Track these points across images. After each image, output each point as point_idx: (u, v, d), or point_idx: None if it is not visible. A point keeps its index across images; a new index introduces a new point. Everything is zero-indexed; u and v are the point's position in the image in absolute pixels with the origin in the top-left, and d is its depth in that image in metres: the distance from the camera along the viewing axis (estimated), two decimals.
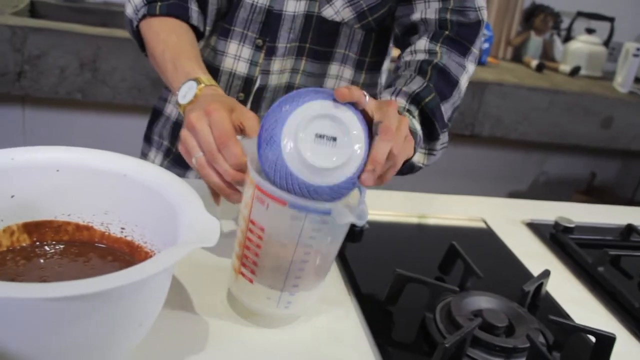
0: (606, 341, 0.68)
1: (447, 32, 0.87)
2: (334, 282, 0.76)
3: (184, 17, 0.85)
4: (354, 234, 0.87)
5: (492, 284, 0.77)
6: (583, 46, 2.53)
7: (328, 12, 0.89)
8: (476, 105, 2.12)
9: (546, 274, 0.79)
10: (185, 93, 0.73)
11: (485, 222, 1.00)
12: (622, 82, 2.41)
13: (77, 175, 0.64)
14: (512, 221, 1.03)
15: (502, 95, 2.14)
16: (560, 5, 2.58)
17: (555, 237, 0.98)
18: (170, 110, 1.05)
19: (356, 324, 0.70)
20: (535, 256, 0.92)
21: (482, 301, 0.72)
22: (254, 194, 0.61)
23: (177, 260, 0.49)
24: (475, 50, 0.90)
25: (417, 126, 0.79)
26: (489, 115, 2.15)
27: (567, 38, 2.62)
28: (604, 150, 2.66)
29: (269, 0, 0.89)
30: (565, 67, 2.48)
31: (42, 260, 0.63)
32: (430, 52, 0.86)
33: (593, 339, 0.69)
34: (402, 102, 0.81)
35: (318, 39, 0.92)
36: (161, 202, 0.61)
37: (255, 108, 0.95)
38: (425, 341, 0.68)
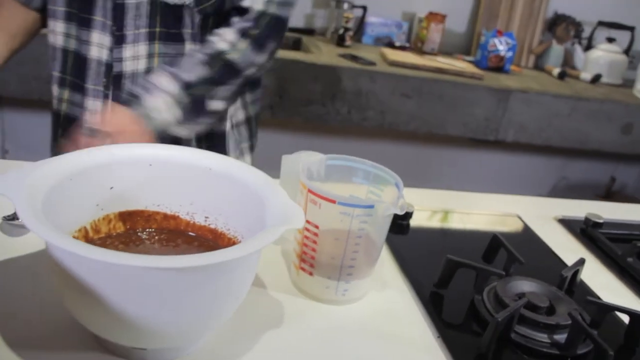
0: (638, 319, 0.75)
1: (254, 32, 0.98)
2: (388, 270, 0.84)
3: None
4: (402, 227, 0.95)
5: (532, 271, 0.84)
6: (604, 54, 2.59)
7: None
8: (501, 111, 2.19)
9: (581, 261, 0.86)
10: None
11: (520, 218, 1.07)
12: None
13: (166, 169, 0.72)
14: (544, 217, 1.11)
15: (526, 102, 2.21)
16: (582, 15, 2.65)
17: (585, 231, 1.06)
18: None
19: (411, 305, 0.77)
20: (567, 249, 0.99)
21: (525, 285, 0.79)
22: (307, 197, 0.70)
23: (275, 239, 0.57)
24: (271, 46, 1.02)
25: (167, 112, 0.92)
26: (513, 121, 2.22)
27: (588, 47, 2.69)
28: (624, 156, 2.71)
29: None
30: (587, 75, 2.54)
31: (137, 245, 0.71)
32: (233, 45, 0.97)
33: (627, 318, 0.77)
34: (168, 83, 0.93)
35: (166, 22, 0.97)
36: (244, 191, 0.69)
37: (117, 95, 0.99)
38: (474, 320, 0.76)
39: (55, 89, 1.06)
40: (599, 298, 0.84)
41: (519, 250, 0.85)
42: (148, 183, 0.72)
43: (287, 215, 0.62)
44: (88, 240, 0.68)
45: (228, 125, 1.12)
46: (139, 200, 0.73)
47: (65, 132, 1.06)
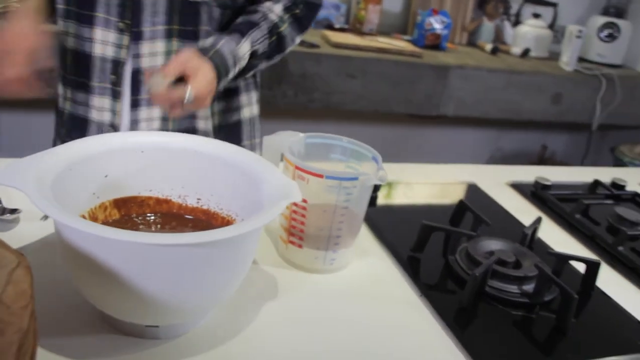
0: (592, 266, 0.84)
1: (297, 11, 1.03)
2: (366, 240, 0.90)
3: None
4: (372, 200, 1.01)
5: (497, 231, 0.92)
6: (531, 29, 2.74)
7: None
8: (441, 87, 2.29)
9: (539, 220, 0.95)
10: None
11: (476, 185, 1.15)
12: (567, 62, 2.62)
13: (158, 155, 0.75)
14: (497, 183, 1.19)
15: (464, 78, 2.31)
16: None
17: (536, 194, 1.15)
18: None
19: (392, 269, 0.84)
20: (522, 210, 1.08)
21: (492, 244, 0.87)
22: (295, 173, 0.75)
23: (280, 211, 0.62)
24: (308, 29, 1.08)
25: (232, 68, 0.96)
26: (453, 96, 2.33)
27: (516, 23, 2.83)
28: (554, 124, 2.88)
29: None
30: (516, 50, 2.68)
31: (134, 230, 0.74)
32: (281, 20, 1.02)
33: (582, 267, 0.86)
34: (245, 52, 0.97)
35: (184, 19, 0.96)
36: (237, 172, 0.73)
37: (135, 91, 0.99)
38: (451, 278, 0.83)
39: (59, 88, 1.04)
40: (554, 250, 0.93)
41: (480, 213, 0.93)
42: (141, 169, 0.75)
43: (285, 191, 0.67)
44: None
45: (246, 114, 1.13)
46: (133, 187, 0.76)
47: (69, 132, 1.04)
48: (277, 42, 1.01)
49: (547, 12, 2.82)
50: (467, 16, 2.70)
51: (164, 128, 1.01)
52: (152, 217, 0.77)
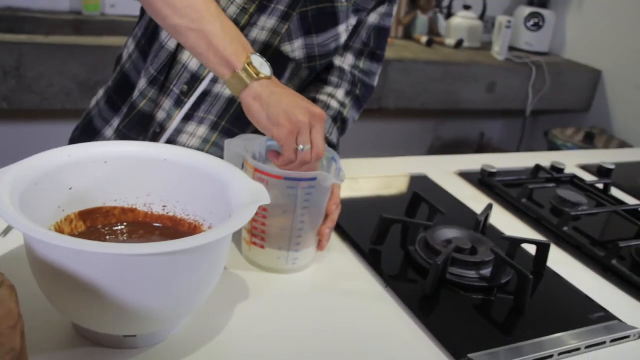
0: (543, 248, 0.90)
1: (357, 92, 1.07)
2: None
3: None
4: None
5: (451, 219, 0.96)
6: (462, 21, 2.82)
7: (286, 48, 0.96)
8: (382, 81, 2.34)
9: (490, 207, 1.00)
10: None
11: (427, 176, 1.20)
12: (499, 51, 2.72)
13: (122, 164, 0.75)
14: (446, 173, 1.24)
15: (403, 71, 2.37)
16: None
17: (483, 181, 1.20)
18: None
19: (355, 263, 0.87)
20: (472, 198, 1.13)
21: (449, 232, 0.91)
22: (255, 176, 0.77)
23: (253, 215, 0.63)
24: (364, 106, 1.11)
25: None
26: (393, 89, 2.38)
27: (449, 15, 2.91)
28: (490, 112, 2.98)
29: (236, 15, 0.94)
30: (450, 41, 2.76)
31: (101, 241, 0.74)
32: (343, 105, 1.04)
33: (533, 249, 0.91)
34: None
35: (272, 66, 0.99)
36: (203, 178, 0.74)
37: (195, 107, 1.00)
38: (412, 268, 0.86)
39: (142, 84, 1.01)
40: (505, 234, 0.98)
41: (434, 202, 0.97)
42: (104, 180, 0.75)
43: (253, 194, 0.68)
44: None
45: None
46: (97, 198, 0.75)
47: (134, 126, 1.02)
48: (341, 126, 1.03)
49: (477, 3, 2.91)
50: (401, 10, 2.76)
51: (200, 147, 1.01)
52: (119, 227, 0.77)
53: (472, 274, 0.84)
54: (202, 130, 1.01)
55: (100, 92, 1.13)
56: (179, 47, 0.98)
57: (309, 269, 0.84)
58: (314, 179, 0.77)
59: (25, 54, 1.81)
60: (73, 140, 1.15)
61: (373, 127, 2.76)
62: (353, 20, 1.02)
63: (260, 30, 0.96)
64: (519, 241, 0.90)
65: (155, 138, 1.02)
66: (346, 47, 1.07)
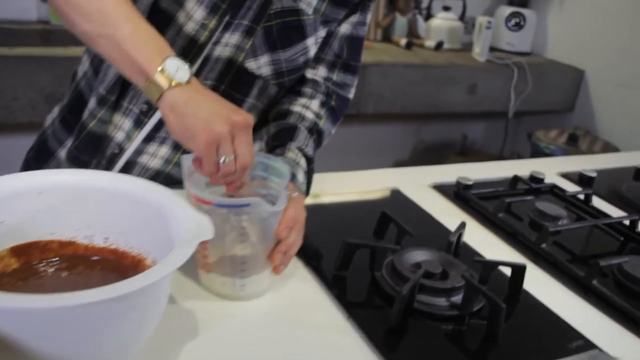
0: (519, 270, 0.84)
1: (332, 103, 1.02)
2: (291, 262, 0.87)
3: None
4: None
5: (421, 240, 0.91)
6: (442, 22, 2.78)
7: (251, 65, 0.91)
8: (360, 85, 2.28)
9: (463, 225, 0.94)
10: (177, 69, 0.69)
11: (399, 190, 1.14)
12: (480, 52, 2.68)
13: (58, 195, 0.69)
14: (420, 186, 1.19)
15: (381, 74, 2.32)
16: None
17: (458, 194, 1.15)
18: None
19: (316, 291, 0.81)
20: (446, 213, 1.08)
21: (418, 255, 0.86)
22: (192, 201, 0.71)
23: (189, 255, 0.57)
24: (341, 119, 1.06)
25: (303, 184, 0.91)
26: (372, 93, 2.33)
27: (428, 16, 2.86)
28: (472, 114, 2.94)
29: (195, 31, 0.88)
30: (430, 43, 2.71)
31: (37, 279, 0.68)
32: (318, 116, 0.99)
33: (509, 270, 0.86)
34: (298, 156, 0.92)
35: (234, 86, 0.93)
36: (145, 208, 0.68)
37: (157, 128, 0.94)
38: (378, 295, 0.81)
39: (92, 104, 0.95)
40: (481, 256, 0.93)
41: (404, 221, 0.91)
42: (39, 212, 0.69)
43: (195, 228, 0.62)
44: None
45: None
46: (32, 231, 0.69)
47: (85, 148, 0.96)
48: (317, 138, 0.98)
49: (456, 4, 2.87)
50: (379, 12, 2.71)
51: (161, 168, 0.96)
52: (57, 262, 0.71)
53: (441, 301, 0.79)
54: (164, 151, 0.95)
55: (56, 110, 1.06)
56: None
57: (266, 296, 0.78)
58: (246, 204, 0.70)
59: None
60: (27, 162, 1.08)
61: (352, 131, 2.71)
62: (322, 32, 0.97)
63: (223, 46, 0.91)
64: (492, 264, 0.85)
65: (113, 159, 0.96)
66: (317, 60, 1.01)
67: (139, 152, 0.95)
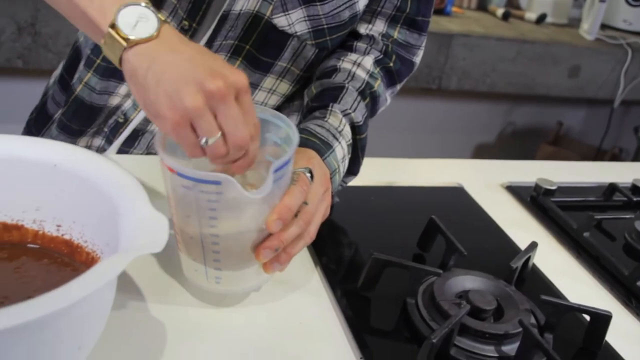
0: (602, 319, 0.63)
1: (390, 64, 0.83)
2: (301, 265, 0.69)
3: None
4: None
5: (476, 260, 0.71)
6: None
7: (281, 21, 0.76)
8: (443, 58, 2.05)
9: (533, 246, 0.73)
10: (136, 20, 0.52)
11: (463, 188, 0.93)
12: (588, 29, 2.36)
13: (2, 166, 0.55)
14: (490, 185, 0.97)
15: (469, 47, 2.07)
16: None
17: (536, 200, 0.93)
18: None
19: (329, 312, 0.63)
20: (517, 223, 0.86)
21: (467, 281, 0.66)
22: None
23: (117, 273, 0.41)
24: (399, 87, 0.88)
25: (341, 164, 0.72)
26: (455, 68, 2.08)
27: None
28: (571, 100, 2.62)
29: None
30: (531, 15, 2.41)
31: None
32: (372, 76, 0.80)
33: (587, 317, 0.64)
34: (342, 123, 0.73)
35: (261, 46, 0.78)
36: (98, 195, 0.52)
37: None
38: (407, 329, 0.62)
39: (81, 66, 0.83)
40: (555, 289, 0.71)
41: (461, 232, 0.71)
42: None
43: (145, 233, 0.46)
44: None
45: None
46: None
47: (73, 116, 0.84)
48: (371, 104, 0.80)
49: None
50: None
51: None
52: None
53: (489, 349, 0.59)
54: None
55: (60, 67, 0.93)
56: None
57: (254, 304, 0.62)
58: (217, 182, 0.52)
59: (41, 8, 1.64)
60: (28, 125, 0.96)
61: (431, 107, 2.47)
62: None
63: None
64: (564, 308, 0.63)
65: (117, 129, 0.82)
66: (373, 13, 0.82)
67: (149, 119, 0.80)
